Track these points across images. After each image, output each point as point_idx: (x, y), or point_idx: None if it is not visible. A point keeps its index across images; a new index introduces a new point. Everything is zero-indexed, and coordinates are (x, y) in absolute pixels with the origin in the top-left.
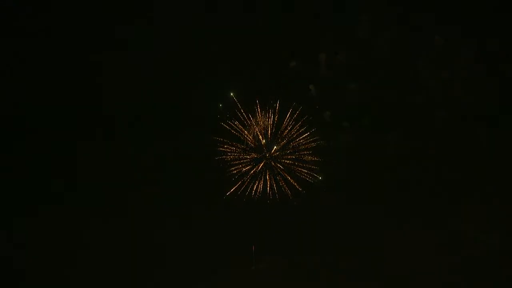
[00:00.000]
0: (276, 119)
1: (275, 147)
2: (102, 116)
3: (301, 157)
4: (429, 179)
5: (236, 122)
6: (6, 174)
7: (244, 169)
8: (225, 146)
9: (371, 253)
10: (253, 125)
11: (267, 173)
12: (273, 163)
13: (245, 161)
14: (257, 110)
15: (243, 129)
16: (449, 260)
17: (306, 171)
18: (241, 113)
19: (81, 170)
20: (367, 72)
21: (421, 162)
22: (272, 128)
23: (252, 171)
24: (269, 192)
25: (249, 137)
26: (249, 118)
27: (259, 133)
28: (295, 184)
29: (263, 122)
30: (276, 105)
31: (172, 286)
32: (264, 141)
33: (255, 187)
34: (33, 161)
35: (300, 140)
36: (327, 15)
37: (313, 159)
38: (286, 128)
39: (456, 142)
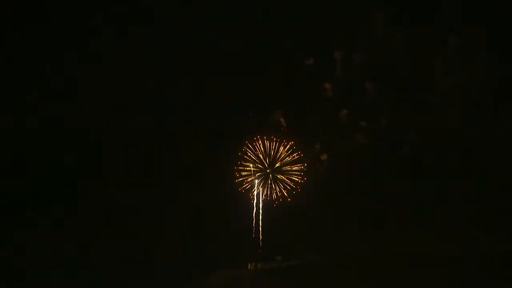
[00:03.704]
0: (276, 145)
1: (277, 164)
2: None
3: (293, 169)
4: (437, 178)
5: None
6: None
7: (254, 179)
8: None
9: (369, 252)
10: (260, 150)
11: (270, 181)
12: (278, 176)
13: (255, 173)
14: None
15: (253, 153)
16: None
17: (297, 178)
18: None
19: None
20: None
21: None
22: (274, 151)
23: (259, 181)
24: (274, 194)
25: (257, 158)
26: (257, 145)
27: (265, 155)
28: (290, 187)
29: (267, 147)
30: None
31: (171, 285)
32: (267, 160)
33: (262, 191)
34: None
35: (292, 157)
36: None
37: (301, 168)
38: (282, 151)
39: (468, 142)
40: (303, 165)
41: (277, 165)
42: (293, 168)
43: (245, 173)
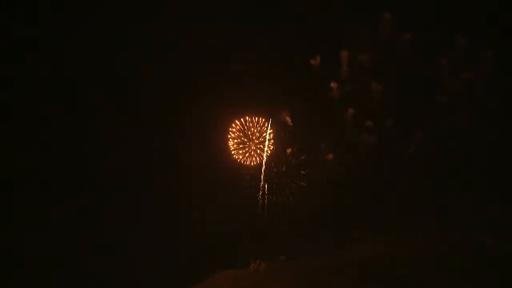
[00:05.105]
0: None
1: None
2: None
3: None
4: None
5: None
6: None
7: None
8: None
9: (370, 253)
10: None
11: (275, 185)
12: (283, 180)
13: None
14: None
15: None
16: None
17: (300, 182)
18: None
19: None
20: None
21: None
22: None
23: (264, 184)
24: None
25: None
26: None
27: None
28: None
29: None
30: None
31: (172, 285)
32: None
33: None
34: None
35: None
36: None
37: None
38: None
39: (475, 142)
40: (309, 168)
41: (283, 169)
42: (300, 172)
43: (249, 176)
